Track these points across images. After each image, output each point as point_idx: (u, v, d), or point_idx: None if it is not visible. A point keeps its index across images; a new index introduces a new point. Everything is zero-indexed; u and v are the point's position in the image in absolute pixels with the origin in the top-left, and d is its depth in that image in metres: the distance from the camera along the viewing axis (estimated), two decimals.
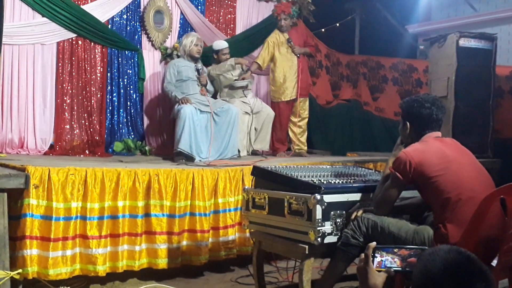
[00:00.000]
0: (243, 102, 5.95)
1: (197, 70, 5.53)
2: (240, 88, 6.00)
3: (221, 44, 6.09)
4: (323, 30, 8.08)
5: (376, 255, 1.74)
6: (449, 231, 2.52)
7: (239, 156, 5.57)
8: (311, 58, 6.77)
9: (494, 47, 6.16)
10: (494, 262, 2.53)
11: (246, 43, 6.77)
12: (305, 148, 6.34)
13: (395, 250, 1.79)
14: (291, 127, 6.29)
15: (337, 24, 8.64)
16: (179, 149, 4.97)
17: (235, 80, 5.97)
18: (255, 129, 6.04)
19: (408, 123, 2.83)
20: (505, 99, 6.97)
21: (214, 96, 5.97)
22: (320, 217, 2.75)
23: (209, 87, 5.70)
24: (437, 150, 2.68)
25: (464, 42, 6.02)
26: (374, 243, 1.74)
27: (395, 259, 1.77)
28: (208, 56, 6.11)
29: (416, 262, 1.44)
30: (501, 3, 8.37)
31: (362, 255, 1.73)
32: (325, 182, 2.99)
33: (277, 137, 6.26)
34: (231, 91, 6.01)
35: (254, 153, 6.00)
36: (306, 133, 6.39)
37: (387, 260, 1.76)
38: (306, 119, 6.36)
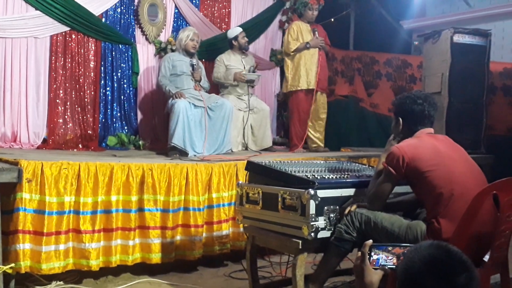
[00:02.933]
0: (238, 98, 5.94)
1: (192, 65, 5.51)
2: (250, 82, 5.97)
3: (237, 29, 6.16)
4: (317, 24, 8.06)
5: (371, 253, 1.75)
6: (442, 226, 2.53)
7: (233, 151, 5.57)
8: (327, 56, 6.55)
9: (488, 43, 6.17)
10: (486, 258, 2.55)
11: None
12: (322, 144, 6.21)
13: (390, 248, 1.80)
14: (309, 123, 6.10)
15: (332, 19, 8.62)
16: (172, 144, 4.97)
17: (245, 73, 5.94)
18: (251, 126, 6.00)
19: (400, 119, 2.85)
20: (497, 95, 7.00)
21: (217, 91, 5.98)
22: (314, 212, 2.75)
23: (203, 83, 5.67)
24: (430, 146, 2.69)
25: (458, 38, 6.02)
26: (371, 241, 1.75)
27: (390, 257, 1.78)
28: (208, 50, 6.18)
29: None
30: None
31: (359, 253, 1.74)
32: (319, 177, 2.99)
33: (296, 132, 6.10)
34: (236, 86, 5.97)
35: (268, 150, 5.95)
36: (323, 129, 6.24)
37: (381, 258, 1.76)
38: (325, 115, 6.21)
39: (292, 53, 6.04)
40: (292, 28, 6.09)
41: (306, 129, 6.09)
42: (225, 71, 5.95)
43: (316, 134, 6.19)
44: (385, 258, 1.77)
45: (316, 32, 6.02)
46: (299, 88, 6.01)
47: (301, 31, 6.04)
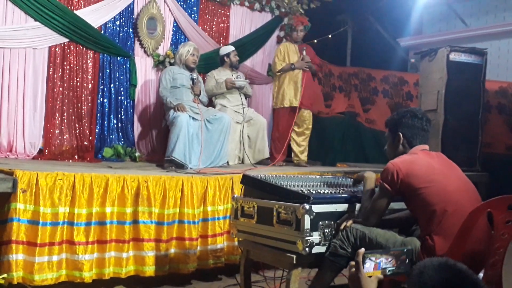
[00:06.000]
0: (235, 111, 5.97)
1: (192, 79, 5.54)
2: (240, 88, 6.06)
3: (228, 48, 6.29)
4: (315, 41, 8.13)
5: (371, 258, 1.75)
6: (436, 243, 2.53)
7: (229, 164, 5.57)
8: (315, 76, 6.76)
9: (484, 62, 6.23)
10: (480, 275, 2.55)
11: (241, 50, 6.79)
12: (305, 159, 6.36)
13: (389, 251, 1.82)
14: (293, 137, 6.32)
15: (329, 36, 8.69)
16: (172, 157, 4.95)
17: (234, 79, 6.05)
18: (248, 137, 6.05)
19: (400, 134, 2.84)
20: (493, 113, 7.04)
21: (211, 102, 6.01)
22: (309, 227, 2.75)
23: (202, 97, 5.70)
24: (424, 163, 2.70)
25: (454, 56, 6.08)
26: (363, 249, 1.74)
27: (390, 259, 1.78)
28: (206, 64, 6.29)
29: (406, 282, 1.43)
30: (491, 18, 8.48)
31: (352, 263, 1.73)
32: (314, 192, 2.99)
33: (275, 146, 6.29)
34: (228, 92, 6.03)
35: (262, 163, 5.99)
36: (307, 145, 6.40)
37: (382, 262, 1.76)
38: (309, 131, 6.40)
39: (278, 73, 6.28)
40: (279, 49, 6.34)
41: (285, 144, 6.25)
42: (216, 85, 6.04)
43: (299, 148, 6.35)
44: (385, 261, 1.77)
45: (304, 52, 6.23)
46: (282, 106, 6.20)
47: (288, 52, 6.26)
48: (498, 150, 6.82)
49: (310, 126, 6.40)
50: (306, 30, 6.47)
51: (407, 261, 1.83)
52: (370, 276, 1.70)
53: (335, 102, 8.21)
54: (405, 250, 1.86)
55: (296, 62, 6.18)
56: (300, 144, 6.35)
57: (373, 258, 1.75)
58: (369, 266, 1.73)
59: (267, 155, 6.13)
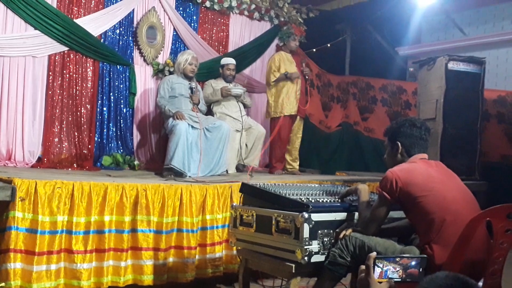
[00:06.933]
0: (234, 119, 5.98)
1: (191, 88, 5.54)
2: (237, 96, 6.09)
3: (227, 59, 6.29)
4: (314, 50, 8.15)
5: (378, 264, 1.73)
6: (435, 252, 2.53)
7: (228, 173, 5.57)
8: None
9: (482, 71, 6.25)
10: (480, 284, 2.54)
11: (240, 59, 6.82)
12: (297, 167, 6.43)
13: (397, 259, 1.78)
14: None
15: (328, 45, 8.72)
16: (171, 166, 4.95)
17: (231, 87, 6.09)
18: (246, 145, 6.07)
19: (399, 143, 2.85)
20: (491, 122, 7.06)
21: (209, 110, 6.02)
22: (308, 235, 2.74)
23: (201, 106, 5.71)
24: (423, 171, 2.70)
25: (453, 65, 6.10)
26: (374, 253, 1.73)
27: (397, 269, 1.76)
28: (206, 72, 6.36)
29: None
30: (490, 27, 8.51)
31: (362, 267, 1.71)
32: (313, 200, 2.99)
33: (276, 155, 6.30)
34: (225, 100, 6.06)
35: (239, 169, 6.01)
36: (298, 153, 6.50)
37: (389, 270, 1.74)
38: (299, 140, 6.48)
39: (272, 83, 6.24)
40: (274, 59, 6.28)
41: (285, 152, 6.34)
42: (212, 92, 6.08)
43: (291, 157, 6.41)
44: (393, 270, 1.75)
45: (303, 64, 6.45)
46: (282, 114, 6.17)
47: (283, 61, 6.24)
48: (493, 159, 6.83)
49: (300, 135, 6.47)
50: (301, 40, 6.60)
51: (420, 270, 1.79)
52: (380, 282, 1.68)
53: (331, 114, 8.23)
54: (419, 260, 1.80)
55: (292, 73, 6.14)
56: (292, 153, 6.40)
57: (381, 265, 1.73)
58: (377, 272, 1.71)
59: (256, 163, 6.12)
